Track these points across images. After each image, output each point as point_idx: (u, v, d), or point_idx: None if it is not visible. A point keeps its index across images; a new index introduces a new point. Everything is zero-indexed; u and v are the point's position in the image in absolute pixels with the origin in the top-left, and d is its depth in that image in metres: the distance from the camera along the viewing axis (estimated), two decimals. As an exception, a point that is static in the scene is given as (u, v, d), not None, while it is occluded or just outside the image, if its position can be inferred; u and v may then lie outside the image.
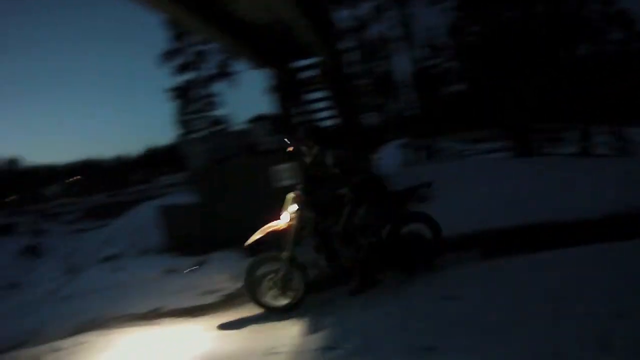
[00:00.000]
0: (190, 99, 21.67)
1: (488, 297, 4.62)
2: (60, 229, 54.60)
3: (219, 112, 22.78)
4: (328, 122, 12.45)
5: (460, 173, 13.00)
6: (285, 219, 5.48)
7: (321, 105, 12.37)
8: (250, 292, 5.64)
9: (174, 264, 11.27)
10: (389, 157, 17.20)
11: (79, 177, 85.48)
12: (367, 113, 26.12)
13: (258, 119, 12.67)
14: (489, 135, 21.95)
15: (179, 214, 11.94)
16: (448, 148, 21.99)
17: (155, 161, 79.79)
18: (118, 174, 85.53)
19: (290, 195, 5.54)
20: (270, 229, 5.53)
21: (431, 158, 20.27)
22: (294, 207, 5.43)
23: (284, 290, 5.53)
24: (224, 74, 20.70)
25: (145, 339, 6.17)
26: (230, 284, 8.19)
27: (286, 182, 9.88)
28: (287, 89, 11.96)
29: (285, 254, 5.46)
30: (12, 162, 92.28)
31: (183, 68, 21.63)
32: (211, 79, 21.00)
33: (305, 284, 5.57)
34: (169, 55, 22.40)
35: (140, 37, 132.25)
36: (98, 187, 74.30)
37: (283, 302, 5.56)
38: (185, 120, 21.44)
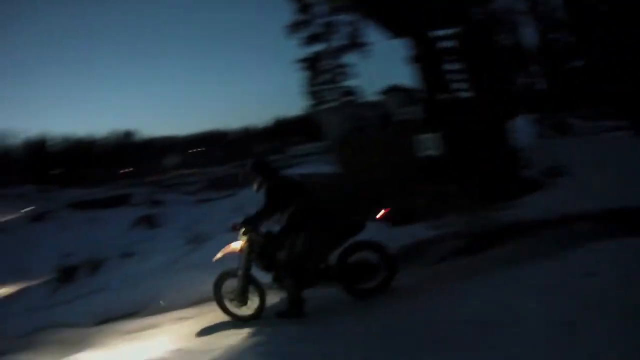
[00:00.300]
0: (320, 69, 21.77)
1: (626, 275, 4.54)
2: (179, 200, 56.59)
3: (350, 83, 22.81)
4: (464, 94, 12.22)
5: (590, 150, 12.78)
6: (239, 241, 6.05)
7: (458, 76, 12.15)
8: (218, 302, 6.26)
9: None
10: (521, 131, 16.77)
11: (201, 148, 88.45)
12: (499, 86, 25.52)
13: (392, 90, 12.66)
14: (610, 113, 21.06)
15: (316, 183, 12.16)
16: (574, 124, 21.27)
17: (285, 132, 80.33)
18: (243, 145, 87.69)
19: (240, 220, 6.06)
20: (229, 250, 6.18)
21: (560, 134, 19.65)
22: (244, 232, 5.97)
23: (243, 302, 6.05)
24: (355, 44, 20.63)
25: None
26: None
27: (429, 152, 9.89)
28: (424, 59, 11.81)
29: (239, 272, 5.99)
30: (128, 135, 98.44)
31: (312, 39, 21.76)
32: (342, 50, 20.99)
33: (261, 297, 6.03)
34: (295, 26, 22.62)
35: (266, 5, 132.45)
36: (222, 158, 76.92)
37: (246, 312, 6.08)
38: (315, 91, 21.59)
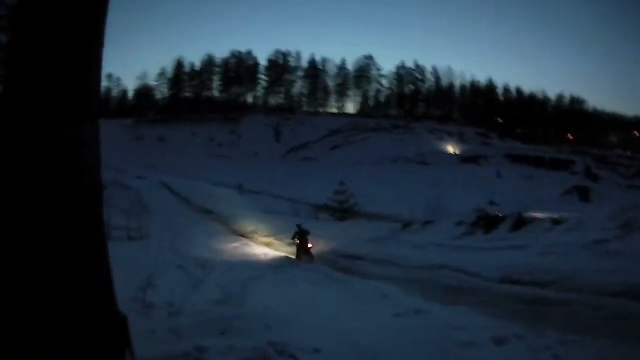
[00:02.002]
0: None
1: None
2: (612, 179, 56.76)
3: None
4: None
5: None
6: (296, 239, 17.38)
7: None
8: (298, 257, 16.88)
9: None
10: None
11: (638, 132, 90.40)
12: None
13: None
14: None
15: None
16: None
17: None
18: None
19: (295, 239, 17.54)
20: (295, 242, 17.48)
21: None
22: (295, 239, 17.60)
23: (300, 256, 16.91)
24: None
25: None
26: None
27: None
28: None
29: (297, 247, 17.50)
30: (575, 102, 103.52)
31: None
32: None
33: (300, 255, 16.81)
34: None
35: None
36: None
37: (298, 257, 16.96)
38: None
